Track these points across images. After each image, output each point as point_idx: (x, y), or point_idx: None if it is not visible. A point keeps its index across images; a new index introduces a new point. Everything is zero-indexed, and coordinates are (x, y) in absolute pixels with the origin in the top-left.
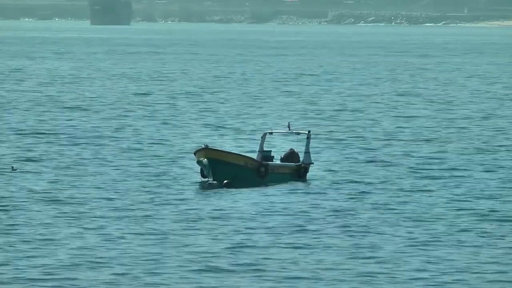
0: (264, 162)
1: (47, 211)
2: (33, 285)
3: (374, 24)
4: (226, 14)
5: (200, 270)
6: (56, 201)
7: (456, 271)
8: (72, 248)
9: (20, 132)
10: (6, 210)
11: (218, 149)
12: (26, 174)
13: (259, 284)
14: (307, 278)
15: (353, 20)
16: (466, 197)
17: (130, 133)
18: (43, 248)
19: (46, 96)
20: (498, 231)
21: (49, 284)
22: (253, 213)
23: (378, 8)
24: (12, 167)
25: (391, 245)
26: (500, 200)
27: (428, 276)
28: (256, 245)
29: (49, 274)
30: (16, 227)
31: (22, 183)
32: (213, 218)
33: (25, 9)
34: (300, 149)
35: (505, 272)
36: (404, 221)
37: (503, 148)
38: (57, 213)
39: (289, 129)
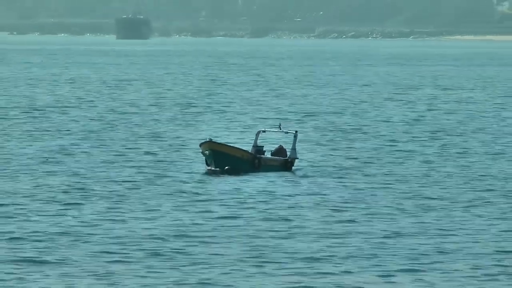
0: (258, 155)
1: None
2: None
3: (354, 38)
4: (230, 30)
5: (197, 243)
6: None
7: (439, 259)
8: (85, 228)
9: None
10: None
11: (220, 142)
12: (52, 163)
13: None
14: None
15: (336, 35)
16: (446, 186)
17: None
18: (54, 227)
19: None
20: (474, 217)
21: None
22: (249, 198)
23: (357, 24)
24: (46, 158)
25: (367, 229)
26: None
27: (406, 262)
28: (251, 227)
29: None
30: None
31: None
32: (213, 200)
33: (61, 25)
34: (288, 145)
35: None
36: (382, 208)
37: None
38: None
39: (280, 129)
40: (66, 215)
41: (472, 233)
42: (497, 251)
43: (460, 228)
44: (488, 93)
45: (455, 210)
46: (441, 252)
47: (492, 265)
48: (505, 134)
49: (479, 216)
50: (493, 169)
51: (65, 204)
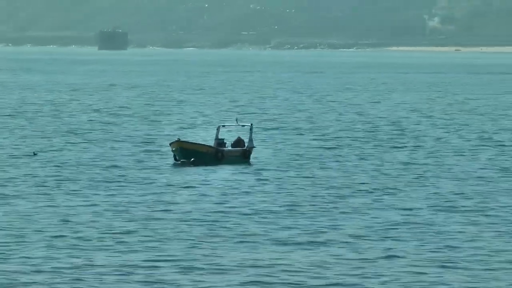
0: (220, 149)
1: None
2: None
3: (305, 49)
4: (198, 42)
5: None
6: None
7: (370, 239)
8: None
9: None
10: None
11: (187, 141)
12: (44, 159)
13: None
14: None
15: (289, 46)
16: (379, 175)
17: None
18: (38, 213)
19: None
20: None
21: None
22: (212, 186)
23: (307, 36)
24: (34, 152)
25: (310, 210)
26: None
27: (347, 240)
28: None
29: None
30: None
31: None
32: (180, 188)
33: (51, 38)
34: (245, 137)
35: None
36: (325, 193)
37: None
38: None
39: (237, 123)
40: (55, 201)
41: (400, 212)
42: (420, 231)
43: (389, 209)
44: (416, 96)
45: (387, 194)
46: (376, 229)
47: (414, 237)
48: (430, 130)
49: (409, 198)
50: (420, 160)
51: (54, 191)
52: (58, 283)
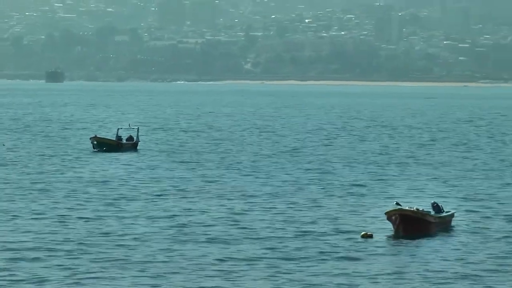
0: (120, 142)
1: None
2: None
3: (171, 82)
4: (106, 78)
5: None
6: None
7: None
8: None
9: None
10: None
11: (101, 136)
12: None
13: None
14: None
15: (161, 80)
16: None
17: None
18: None
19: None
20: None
21: None
22: (115, 166)
23: (172, 73)
24: (3, 143)
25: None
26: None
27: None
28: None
29: None
30: None
31: None
32: (96, 166)
33: (17, 75)
34: (134, 135)
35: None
36: (177, 163)
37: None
38: None
39: (129, 126)
40: None
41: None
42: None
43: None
44: (239, 111)
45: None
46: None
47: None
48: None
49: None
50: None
51: None
52: None
